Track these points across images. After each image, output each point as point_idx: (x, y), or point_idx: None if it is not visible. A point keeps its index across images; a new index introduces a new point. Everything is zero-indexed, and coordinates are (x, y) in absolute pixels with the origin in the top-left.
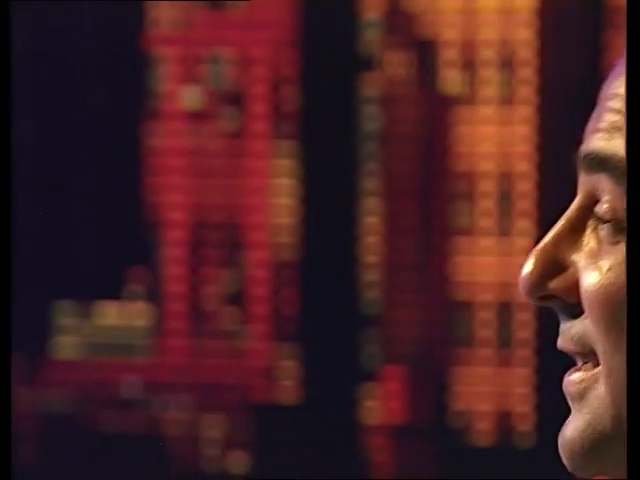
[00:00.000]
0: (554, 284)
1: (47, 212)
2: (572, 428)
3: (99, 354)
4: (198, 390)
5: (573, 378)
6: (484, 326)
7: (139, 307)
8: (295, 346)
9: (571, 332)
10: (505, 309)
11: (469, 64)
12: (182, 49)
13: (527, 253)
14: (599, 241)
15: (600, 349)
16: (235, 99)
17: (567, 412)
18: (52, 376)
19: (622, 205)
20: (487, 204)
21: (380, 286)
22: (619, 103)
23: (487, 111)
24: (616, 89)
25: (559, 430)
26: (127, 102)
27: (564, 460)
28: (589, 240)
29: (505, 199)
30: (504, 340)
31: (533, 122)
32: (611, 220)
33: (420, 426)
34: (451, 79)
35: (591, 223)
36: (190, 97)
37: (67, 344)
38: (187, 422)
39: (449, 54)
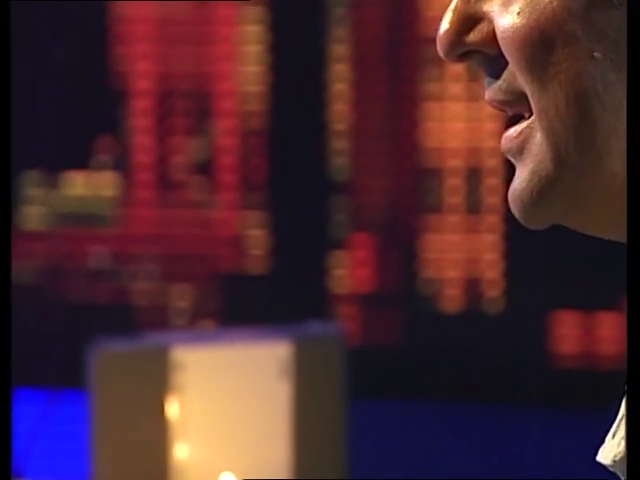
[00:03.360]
0: (471, 37)
1: (12, 81)
2: (518, 181)
3: (66, 224)
4: (166, 260)
5: (510, 133)
6: (453, 192)
7: (106, 177)
8: (263, 215)
9: (498, 83)
10: (474, 175)
11: None
12: None
13: (496, 117)
14: None
15: (529, 93)
16: None
17: (536, 276)
18: (19, 247)
19: None
20: (456, 69)
21: (349, 153)
22: None
23: None
24: None
25: (527, 296)
26: None
27: (517, 214)
28: None
29: None
30: (473, 206)
31: None
32: None
33: (389, 294)
34: None
35: None
36: None
37: (34, 214)
38: (155, 292)
39: None
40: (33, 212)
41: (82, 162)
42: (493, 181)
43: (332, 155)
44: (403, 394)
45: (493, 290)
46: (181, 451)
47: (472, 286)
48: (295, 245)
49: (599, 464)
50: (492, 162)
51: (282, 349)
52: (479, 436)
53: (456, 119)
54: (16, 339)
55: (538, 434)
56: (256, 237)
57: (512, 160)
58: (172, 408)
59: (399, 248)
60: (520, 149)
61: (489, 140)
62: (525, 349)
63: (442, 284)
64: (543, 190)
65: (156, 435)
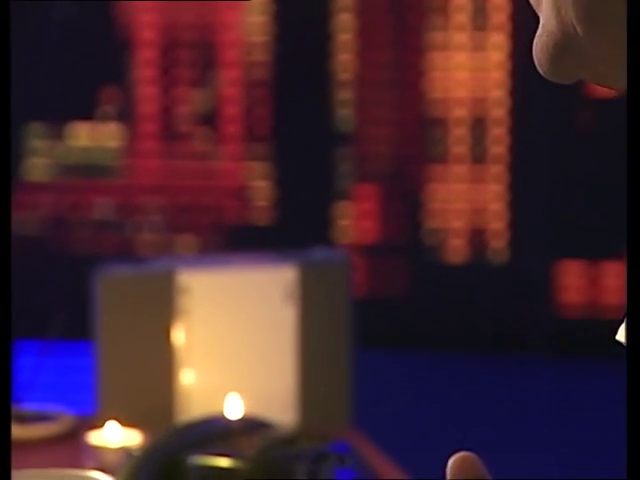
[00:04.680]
0: None
1: (19, 34)
2: (536, 36)
3: (71, 176)
4: (171, 211)
5: None
6: (458, 142)
7: (111, 128)
8: (268, 166)
9: None
10: (479, 125)
11: None
12: None
13: (502, 67)
14: None
15: None
16: None
17: (541, 226)
18: (24, 198)
19: None
20: (461, 18)
21: (353, 104)
22: None
23: None
24: None
25: (532, 246)
26: None
27: (538, 68)
28: None
29: (479, 12)
30: (478, 156)
31: None
32: None
33: (394, 244)
34: None
35: None
36: None
37: (39, 166)
38: (160, 243)
39: None
40: (38, 163)
41: (86, 113)
42: (498, 131)
43: (337, 105)
44: (408, 344)
45: (498, 240)
46: (187, 376)
47: (477, 236)
48: (300, 196)
49: (603, 408)
50: (497, 112)
51: (288, 273)
52: (483, 385)
53: (461, 69)
54: (21, 290)
55: (543, 382)
56: (261, 188)
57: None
58: (178, 333)
59: (404, 199)
60: (536, 2)
61: (494, 90)
62: (530, 299)
63: (447, 234)
64: (551, 46)
65: (162, 360)
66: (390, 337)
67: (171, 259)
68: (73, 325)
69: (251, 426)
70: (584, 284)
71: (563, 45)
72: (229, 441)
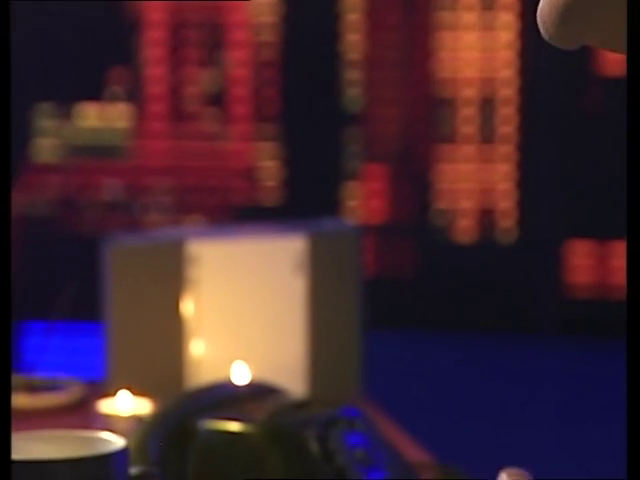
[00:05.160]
0: None
1: (28, 14)
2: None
3: (79, 156)
4: (179, 192)
5: None
6: (467, 122)
7: (119, 108)
8: (276, 146)
9: None
10: (488, 105)
11: None
12: None
13: (511, 47)
14: None
15: None
16: None
17: (550, 206)
18: (33, 179)
19: None
20: None
21: (362, 84)
22: None
23: None
24: None
25: (540, 226)
26: None
27: (542, 34)
28: None
29: None
30: (487, 136)
31: None
32: None
33: (402, 225)
34: None
35: None
36: None
37: (47, 146)
38: (168, 224)
39: None
40: (46, 144)
41: (95, 94)
42: (507, 110)
43: (345, 86)
44: (416, 324)
45: (507, 220)
46: (197, 347)
47: (486, 216)
48: (308, 176)
49: (612, 387)
50: (506, 92)
51: (298, 243)
52: (492, 364)
53: (470, 49)
54: (29, 270)
55: (551, 361)
56: (269, 169)
57: None
58: (187, 304)
59: (412, 179)
60: None
61: (503, 70)
62: (539, 279)
63: (456, 214)
64: (561, 4)
65: (171, 331)
66: (398, 317)
67: (180, 230)
68: (82, 306)
69: (260, 392)
70: (593, 264)
71: (572, 4)
72: (238, 406)
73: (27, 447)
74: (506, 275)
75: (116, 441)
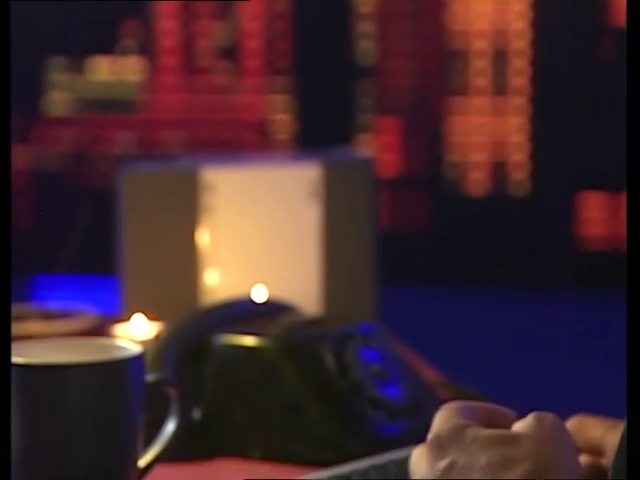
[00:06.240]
0: None
1: None
2: None
3: (92, 110)
4: (192, 146)
5: None
6: (479, 74)
7: (132, 62)
8: (289, 99)
9: None
10: (500, 57)
11: None
12: None
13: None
14: None
15: None
16: None
17: (562, 159)
18: (45, 133)
19: None
20: None
21: (375, 36)
22: None
23: None
24: None
25: (553, 179)
26: None
27: None
28: None
29: None
30: (499, 88)
31: None
32: None
33: (415, 178)
34: None
35: None
36: None
37: (59, 100)
38: None
39: None
40: (59, 98)
41: (107, 47)
42: (520, 62)
43: (358, 38)
44: (428, 277)
45: (519, 173)
46: (211, 276)
47: (498, 169)
48: (321, 129)
49: (622, 340)
50: (519, 44)
51: (312, 171)
52: (504, 318)
53: (482, 1)
54: (41, 224)
55: (564, 314)
56: (282, 122)
57: None
58: (202, 232)
59: (425, 131)
60: None
61: (516, 22)
62: (552, 231)
63: (468, 167)
64: None
65: (186, 260)
66: (411, 271)
67: (195, 157)
68: (95, 260)
69: (275, 309)
70: (606, 216)
71: None
72: (253, 322)
73: (44, 353)
74: (518, 228)
75: (132, 347)
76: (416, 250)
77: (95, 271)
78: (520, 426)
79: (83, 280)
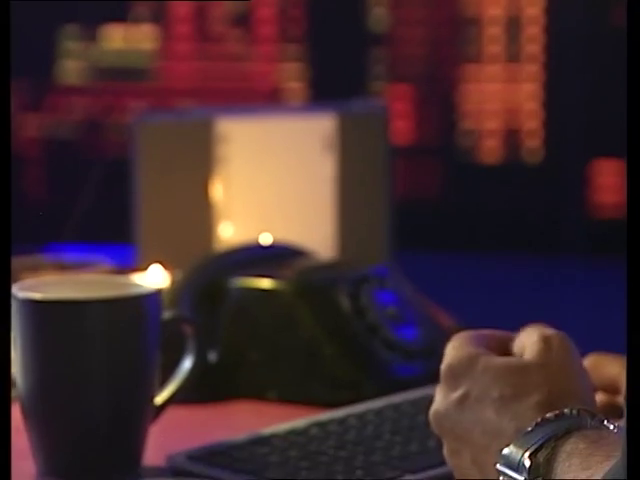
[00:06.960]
0: None
1: None
2: None
3: (105, 78)
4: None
5: None
6: (492, 41)
7: (145, 30)
8: (302, 67)
9: None
10: (514, 24)
11: None
12: None
13: None
14: None
15: None
16: None
17: (575, 126)
18: (58, 101)
19: None
20: None
21: (387, 4)
22: None
23: None
24: None
25: (566, 146)
26: None
27: None
28: None
29: None
30: (512, 55)
31: None
32: None
33: (429, 146)
34: None
35: None
36: None
37: (72, 69)
38: None
39: None
40: (72, 66)
41: (120, 15)
42: (533, 30)
43: (371, 5)
44: (442, 245)
45: (533, 140)
46: (226, 230)
47: (511, 136)
48: (334, 97)
49: None
50: (532, 10)
51: (327, 122)
52: (517, 285)
53: None
54: (54, 194)
55: (577, 282)
56: (295, 89)
57: None
58: (216, 185)
59: (438, 99)
60: None
61: None
62: (565, 198)
63: (481, 135)
64: None
65: (200, 210)
66: (424, 238)
67: (210, 109)
68: (109, 229)
69: (290, 253)
70: (619, 183)
71: None
72: (269, 265)
73: (60, 290)
74: (532, 195)
75: (149, 285)
76: (429, 218)
77: (109, 240)
78: (529, 352)
79: (97, 249)
